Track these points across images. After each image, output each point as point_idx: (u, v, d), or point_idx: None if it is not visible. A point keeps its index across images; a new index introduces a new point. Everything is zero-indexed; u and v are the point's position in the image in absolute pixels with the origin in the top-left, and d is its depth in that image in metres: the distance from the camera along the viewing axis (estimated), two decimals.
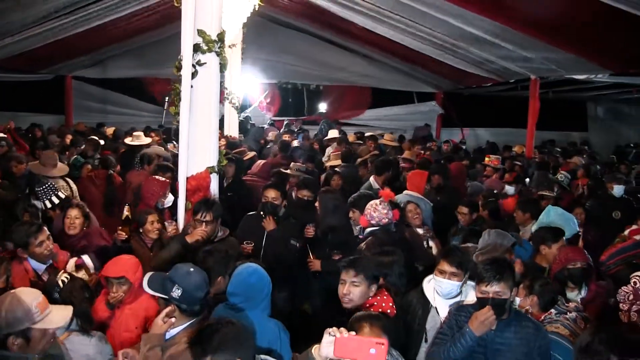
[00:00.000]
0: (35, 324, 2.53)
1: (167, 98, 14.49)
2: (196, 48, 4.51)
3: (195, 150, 4.66)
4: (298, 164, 7.57)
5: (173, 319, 2.87)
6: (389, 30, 9.93)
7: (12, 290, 2.59)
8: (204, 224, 4.28)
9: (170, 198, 5.42)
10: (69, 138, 9.79)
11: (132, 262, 3.74)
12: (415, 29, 9.15)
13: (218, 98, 4.81)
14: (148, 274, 2.99)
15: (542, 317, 3.58)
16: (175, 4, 4.71)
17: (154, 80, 15.60)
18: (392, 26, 9.48)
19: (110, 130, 12.06)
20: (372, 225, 4.83)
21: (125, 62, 14.90)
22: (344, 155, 8.83)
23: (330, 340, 2.36)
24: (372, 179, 6.98)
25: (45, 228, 4.11)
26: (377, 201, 4.97)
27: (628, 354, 2.20)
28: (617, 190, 6.88)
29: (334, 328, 2.40)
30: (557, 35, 7.30)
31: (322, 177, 7.72)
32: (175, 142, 10.18)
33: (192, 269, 3.06)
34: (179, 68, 4.58)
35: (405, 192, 6.39)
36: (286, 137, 11.02)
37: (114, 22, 10.01)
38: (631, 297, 3.51)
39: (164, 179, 5.54)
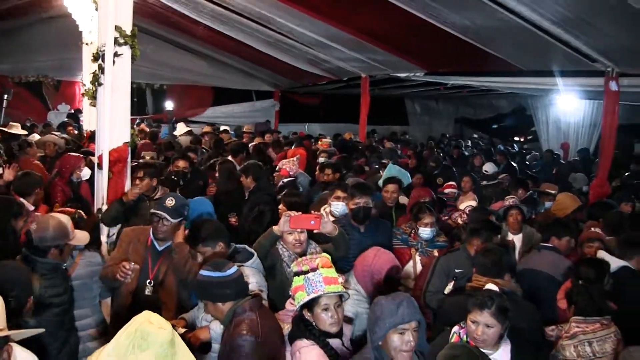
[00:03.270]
0: (70, 241, 3.38)
1: (5, 96, 14.11)
2: (114, 41, 5.37)
3: (114, 127, 5.48)
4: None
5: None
6: (231, 30, 10.91)
7: (51, 214, 3.42)
8: (138, 181, 5.18)
9: (86, 172, 6.12)
10: None
11: None
12: (256, 30, 10.22)
13: (129, 83, 5.69)
14: (167, 213, 3.72)
15: None
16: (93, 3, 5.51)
17: None
18: (234, 27, 10.50)
19: None
20: (290, 176, 6.47)
21: None
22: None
23: (287, 219, 3.64)
24: (230, 158, 8.20)
25: None
26: (294, 158, 6.86)
27: None
28: None
29: (289, 212, 3.67)
30: (383, 40, 9.12)
31: None
32: None
33: (179, 195, 4.07)
34: (97, 58, 5.42)
35: None
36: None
37: None
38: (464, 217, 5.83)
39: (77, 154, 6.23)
